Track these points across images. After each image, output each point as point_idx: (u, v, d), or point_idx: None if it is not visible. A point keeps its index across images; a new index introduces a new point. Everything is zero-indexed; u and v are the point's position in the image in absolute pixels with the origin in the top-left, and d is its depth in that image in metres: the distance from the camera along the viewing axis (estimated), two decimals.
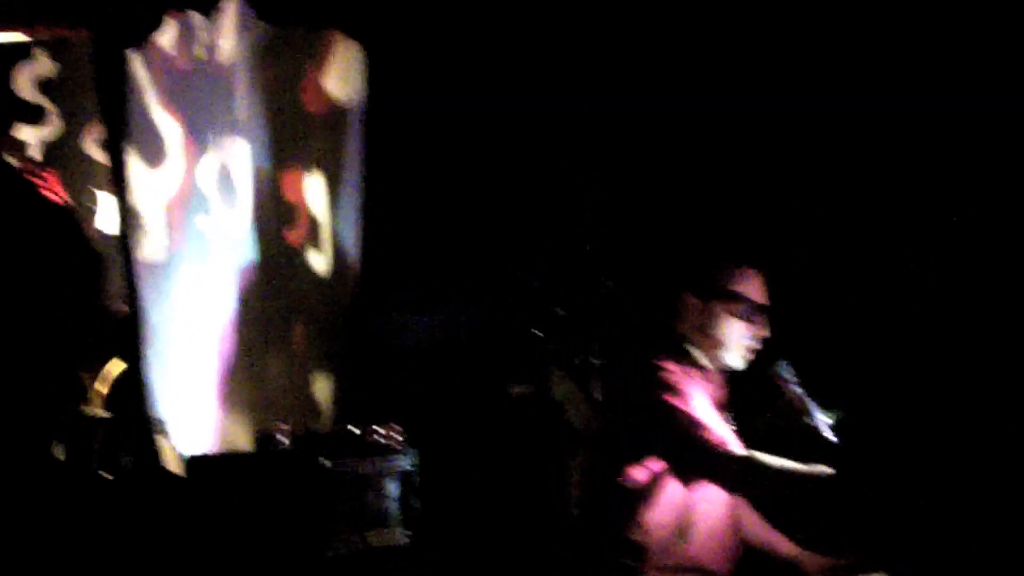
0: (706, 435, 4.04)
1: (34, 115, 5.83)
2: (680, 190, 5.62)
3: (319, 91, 5.57)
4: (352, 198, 5.51)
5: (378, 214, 5.42)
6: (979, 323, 4.88)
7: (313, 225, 5.61)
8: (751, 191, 5.49)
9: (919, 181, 5.11)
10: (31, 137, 5.81)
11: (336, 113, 5.60)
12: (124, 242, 5.28)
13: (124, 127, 5.26)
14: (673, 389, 4.12)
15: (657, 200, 5.70)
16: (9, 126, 5.78)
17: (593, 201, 5.71)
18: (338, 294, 5.44)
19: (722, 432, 4.06)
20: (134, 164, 5.33)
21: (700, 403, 4.09)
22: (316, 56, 5.59)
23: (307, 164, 5.65)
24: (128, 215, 5.28)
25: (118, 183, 5.31)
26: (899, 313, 5.12)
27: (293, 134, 5.59)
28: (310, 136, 5.61)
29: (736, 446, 4.03)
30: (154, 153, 5.43)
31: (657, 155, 5.70)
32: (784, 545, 4.35)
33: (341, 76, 5.52)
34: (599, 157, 5.74)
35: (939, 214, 5.03)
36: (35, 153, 5.82)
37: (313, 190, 5.64)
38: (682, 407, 4.08)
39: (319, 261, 5.61)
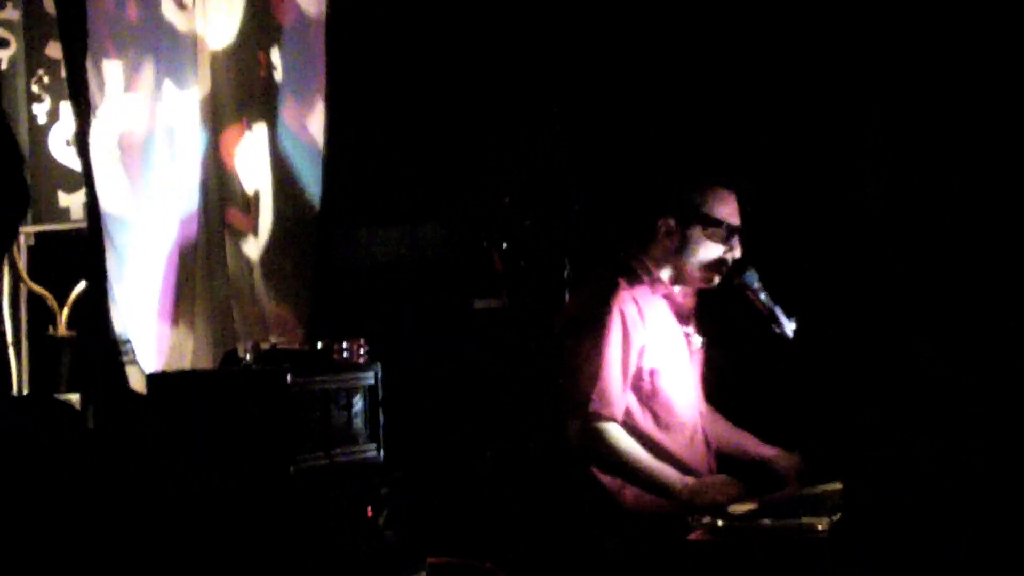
0: (591, 386, 4.10)
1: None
2: (654, 107, 5.58)
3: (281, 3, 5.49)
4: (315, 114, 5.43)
5: (342, 127, 5.35)
6: (936, 229, 4.87)
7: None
8: (723, 108, 5.44)
9: (883, 91, 5.07)
10: (59, 53, 5.81)
11: (300, 24, 5.52)
12: (86, 162, 5.24)
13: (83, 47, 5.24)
14: (600, 326, 4.16)
15: (630, 116, 5.65)
16: (45, 44, 5.79)
17: (565, 115, 5.66)
18: (302, 211, 5.39)
19: (612, 393, 4.10)
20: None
21: (614, 351, 4.14)
22: None
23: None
24: (87, 136, 5.24)
25: (77, 105, 5.27)
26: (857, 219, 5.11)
27: None
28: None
29: (609, 410, 4.07)
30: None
31: (629, 71, 5.65)
32: (755, 446, 4.36)
33: None
34: (572, 70, 5.68)
35: (900, 121, 5.01)
36: (62, 69, 5.80)
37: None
38: (595, 351, 4.13)
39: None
